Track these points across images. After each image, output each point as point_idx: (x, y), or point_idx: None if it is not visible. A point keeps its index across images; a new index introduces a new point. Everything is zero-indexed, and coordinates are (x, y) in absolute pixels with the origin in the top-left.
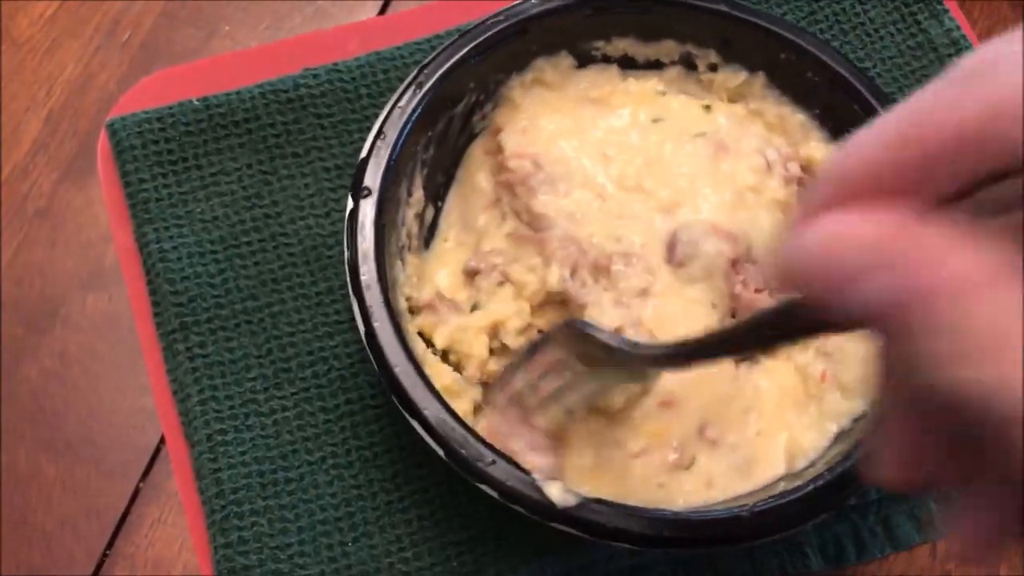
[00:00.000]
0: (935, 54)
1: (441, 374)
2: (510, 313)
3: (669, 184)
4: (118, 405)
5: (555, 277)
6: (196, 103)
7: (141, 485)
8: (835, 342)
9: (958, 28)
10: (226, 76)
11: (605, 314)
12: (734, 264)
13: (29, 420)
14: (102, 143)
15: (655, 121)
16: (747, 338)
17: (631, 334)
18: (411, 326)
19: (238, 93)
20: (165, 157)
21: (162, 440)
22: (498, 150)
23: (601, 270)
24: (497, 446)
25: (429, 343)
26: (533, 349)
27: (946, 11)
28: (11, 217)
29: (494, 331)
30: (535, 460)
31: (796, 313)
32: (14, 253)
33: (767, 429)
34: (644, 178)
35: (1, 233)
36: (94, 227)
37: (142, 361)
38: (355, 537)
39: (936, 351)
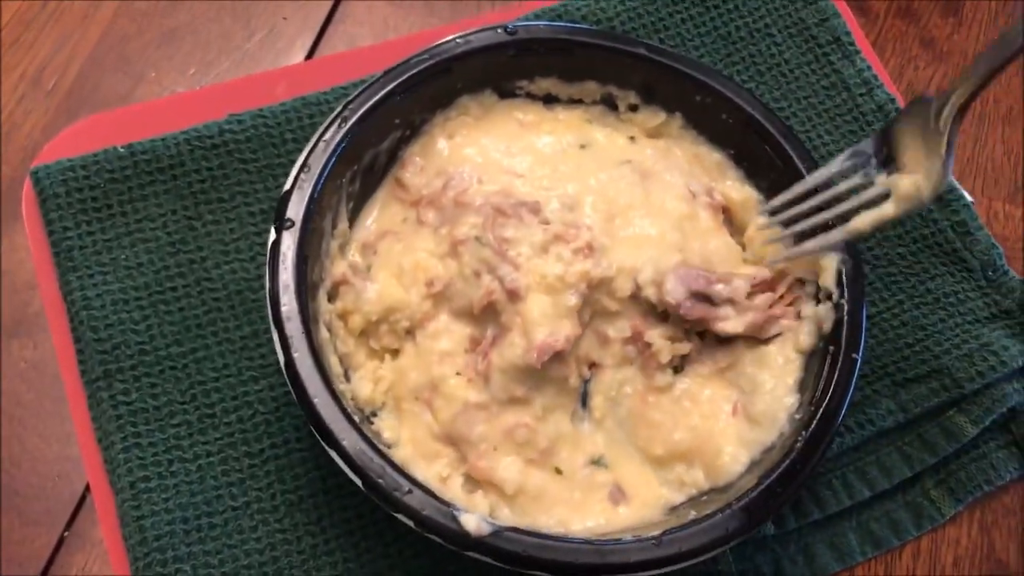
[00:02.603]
0: (848, 93)
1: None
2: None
3: (604, 197)
4: (43, 453)
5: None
6: (121, 150)
7: (66, 534)
8: (749, 374)
9: (870, 68)
10: (152, 123)
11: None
12: None
13: None
14: (27, 191)
15: (582, 147)
16: None
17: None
18: (332, 315)
19: (163, 139)
20: (89, 204)
21: (87, 488)
22: (399, 186)
23: (533, 209)
24: None
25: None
26: None
27: (858, 51)
28: None
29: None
30: None
31: None
32: None
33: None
34: (581, 194)
35: None
36: (19, 274)
37: (67, 409)
38: None
39: None
